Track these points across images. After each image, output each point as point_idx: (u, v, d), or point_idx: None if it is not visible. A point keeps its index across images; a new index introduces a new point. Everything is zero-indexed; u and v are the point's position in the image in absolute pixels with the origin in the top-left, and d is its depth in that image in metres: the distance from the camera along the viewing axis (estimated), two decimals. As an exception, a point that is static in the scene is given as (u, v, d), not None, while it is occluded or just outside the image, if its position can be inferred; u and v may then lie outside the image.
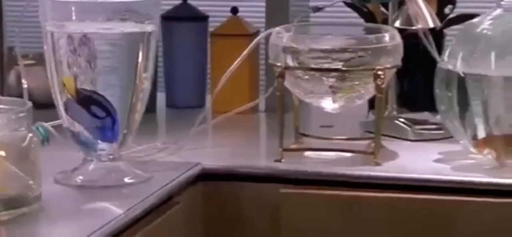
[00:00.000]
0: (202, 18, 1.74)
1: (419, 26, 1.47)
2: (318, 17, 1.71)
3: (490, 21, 1.33)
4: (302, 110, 1.51)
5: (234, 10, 1.70)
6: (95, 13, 1.21)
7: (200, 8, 1.77)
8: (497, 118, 1.29)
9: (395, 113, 1.55)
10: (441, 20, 1.55)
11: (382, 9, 1.61)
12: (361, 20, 1.63)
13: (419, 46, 1.51)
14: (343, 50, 1.34)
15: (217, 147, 1.51)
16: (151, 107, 1.67)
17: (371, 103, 1.52)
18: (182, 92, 1.73)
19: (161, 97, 1.75)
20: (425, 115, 1.54)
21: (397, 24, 1.49)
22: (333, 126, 1.56)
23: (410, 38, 1.51)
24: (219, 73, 1.49)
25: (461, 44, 1.34)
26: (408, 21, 1.49)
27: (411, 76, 1.56)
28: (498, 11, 1.33)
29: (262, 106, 1.69)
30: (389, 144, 1.47)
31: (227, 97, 1.55)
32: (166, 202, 1.22)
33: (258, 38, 1.42)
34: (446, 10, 1.63)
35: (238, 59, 1.40)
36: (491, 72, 1.28)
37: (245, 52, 1.39)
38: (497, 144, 1.30)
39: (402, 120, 1.53)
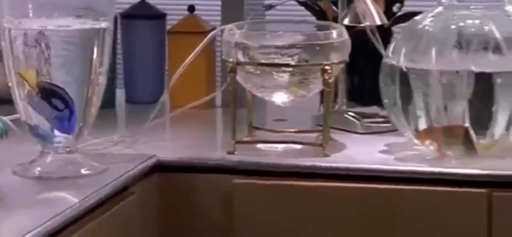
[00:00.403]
0: (160, 16, 1.78)
1: (367, 23, 1.52)
2: (272, 15, 1.76)
3: (431, 18, 1.38)
4: (258, 105, 1.56)
5: (191, 8, 1.74)
6: (51, 10, 1.25)
7: (158, 6, 1.81)
8: (437, 111, 1.34)
9: (344, 107, 1.59)
10: (389, 18, 1.60)
11: (334, 7, 1.67)
12: (314, 18, 1.69)
13: (367, 43, 1.56)
14: (292, 46, 1.39)
15: (173, 140, 1.55)
16: (110, 103, 1.72)
17: (322, 97, 1.57)
18: (141, 88, 1.77)
19: (120, 93, 1.79)
20: (373, 109, 1.59)
21: (346, 21, 1.54)
22: (287, 120, 1.60)
23: (359, 35, 1.56)
24: (176, 70, 1.52)
25: (404, 40, 1.39)
26: (356, 18, 1.54)
27: (360, 72, 1.61)
28: (439, 8, 1.39)
29: (218, 101, 1.73)
30: (339, 136, 1.51)
31: (185, 92, 1.60)
32: (121, 192, 1.26)
33: (210, 35, 1.46)
34: (394, 8, 1.68)
35: (191, 55, 1.44)
36: (431, 67, 1.33)
37: (198, 48, 1.43)
38: (437, 135, 1.35)
39: (351, 114, 1.58)
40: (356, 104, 1.61)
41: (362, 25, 1.53)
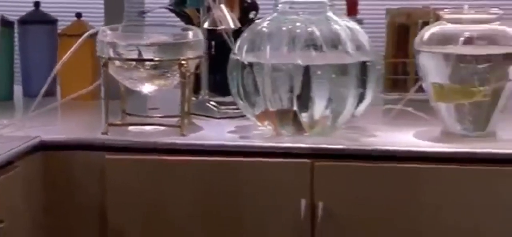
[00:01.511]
0: (52, 22, 1.99)
1: (222, 27, 1.76)
2: (150, 17, 1.98)
3: (268, 22, 1.63)
4: (134, 95, 1.78)
5: (78, 15, 1.96)
6: None
7: (51, 13, 2.02)
8: (271, 97, 1.58)
9: (207, 97, 1.83)
10: (243, 23, 1.84)
11: (198, 13, 1.90)
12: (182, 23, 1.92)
13: (226, 42, 1.80)
14: (154, 44, 1.62)
15: (58, 125, 1.77)
16: (9, 96, 1.94)
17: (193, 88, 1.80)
18: (36, 83, 1.95)
19: (18, 89, 1.99)
20: (231, 98, 1.83)
21: (206, 25, 1.78)
22: (159, 108, 1.82)
23: (220, 36, 1.80)
24: (65, 67, 1.74)
25: (247, 39, 1.63)
26: (214, 23, 1.78)
27: (220, 67, 1.83)
28: (274, 14, 1.64)
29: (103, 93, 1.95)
30: (200, 121, 1.74)
31: (75, 85, 1.82)
32: (5, 166, 1.46)
33: (84, 36, 1.69)
34: (251, 15, 1.93)
35: (68, 53, 1.68)
36: (265, 61, 1.58)
37: (75, 47, 1.66)
38: (272, 118, 1.59)
39: (212, 102, 1.81)
40: (217, 95, 1.85)
41: (219, 28, 1.77)
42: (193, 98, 1.80)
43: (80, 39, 1.66)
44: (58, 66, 1.67)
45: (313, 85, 1.56)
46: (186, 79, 1.62)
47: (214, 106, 1.79)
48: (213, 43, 1.86)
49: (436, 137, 1.59)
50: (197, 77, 1.80)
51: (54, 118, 1.79)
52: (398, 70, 1.95)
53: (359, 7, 1.94)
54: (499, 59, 1.53)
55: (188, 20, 1.88)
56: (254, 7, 1.91)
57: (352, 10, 1.92)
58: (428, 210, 1.52)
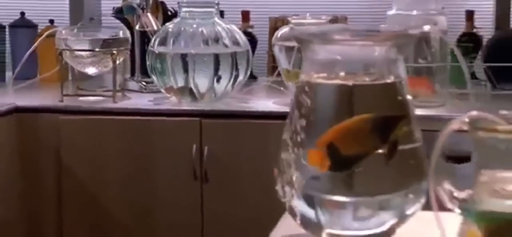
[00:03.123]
0: (34, 26, 2.44)
1: (148, 29, 2.23)
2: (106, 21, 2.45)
3: (173, 24, 2.09)
4: (89, 78, 2.24)
5: (51, 21, 2.42)
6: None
7: (33, 20, 2.48)
8: (173, 77, 2.05)
9: (140, 78, 2.28)
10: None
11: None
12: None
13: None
14: (95, 40, 2.09)
15: (30, 97, 2.18)
16: (2, 79, 2.40)
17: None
18: (21, 69, 2.41)
19: (9, 74, 2.45)
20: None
21: (137, 27, 2.25)
22: (107, 86, 2.29)
23: (148, 35, 2.26)
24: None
25: (159, 36, 2.09)
26: (142, 26, 2.24)
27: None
28: (178, 19, 2.10)
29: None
30: (133, 95, 2.19)
31: (47, 71, 2.29)
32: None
33: (45, 34, 2.16)
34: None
35: (33, 46, 2.16)
36: (169, 51, 2.04)
37: (38, 41, 2.13)
38: (175, 91, 2.06)
39: (143, 82, 2.27)
40: (146, 76, 2.31)
41: (146, 30, 2.23)
42: (130, 78, 2.28)
43: (42, 36, 2.14)
44: (26, 55, 2.14)
45: (201, 68, 2.03)
46: (116, 65, 2.09)
47: (142, 84, 2.26)
48: (146, 40, 2.33)
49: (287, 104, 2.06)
50: (133, 63, 2.28)
51: (29, 93, 2.24)
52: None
53: (252, 16, 2.41)
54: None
55: (127, 24, 2.34)
56: (176, 15, 2.38)
57: (245, 18, 2.39)
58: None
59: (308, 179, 1.00)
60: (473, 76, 2.13)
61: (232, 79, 2.04)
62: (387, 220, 0.98)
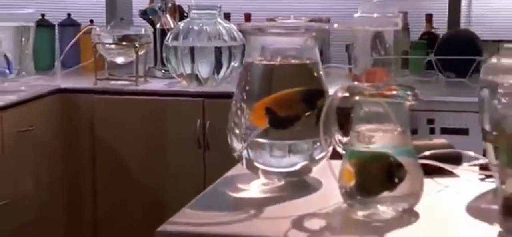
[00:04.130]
0: (78, 25, 2.79)
1: (167, 27, 2.56)
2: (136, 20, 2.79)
3: (183, 24, 2.41)
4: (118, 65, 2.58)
5: (91, 21, 2.76)
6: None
7: (78, 20, 2.84)
8: (183, 65, 2.38)
9: (160, 66, 2.62)
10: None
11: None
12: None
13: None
14: (121, 36, 2.43)
15: (72, 81, 2.53)
16: (51, 66, 2.75)
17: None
18: (66, 59, 2.76)
19: (58, 63, 2.82)
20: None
21: (158, 26, 2.58)
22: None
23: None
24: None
25: (173, 33, 2.42)
26: (162, 25, 2.58)
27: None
28: (188, 19, 2.42)
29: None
30: (153, 80, 2.53)
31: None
32: (38, 98, 2.29)
33: (83, 30, 2.50)
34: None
35: (72, 41, 2.50)
36: (180, 45, 2.37)
37: (77, 36, 2.48)
38: (186, 77, 2.39)
39: (162, 70, 2.60)
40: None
41: (165, 28, 2.56)
42: (153, 67, 2.61)
43: (80, 33, 2.49)
44: (68, 47, 2.50)
45: (205, 58, 2.35)
46: (139, 56, 2.43)
47: (162, 71, 2.59)
48: (165, 36, 2.66)
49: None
50: (156, 55, 2.62)
51: (71, 78, 2.58)
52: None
53: (253, 17, 2.72)
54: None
55: (151, 23, 2.67)
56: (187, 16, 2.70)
57: (247, 19, 2.70)
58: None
59: (245, 130, 1.31)
60: (429, 66, 2.41)
61: (229, 68, 2.36)
62: (298, 161, 1.29)
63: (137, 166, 2.38)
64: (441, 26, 2.51)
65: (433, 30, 2.48)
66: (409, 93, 1.17)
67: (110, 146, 2.38)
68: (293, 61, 1.32)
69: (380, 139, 1.17)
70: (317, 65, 1.33)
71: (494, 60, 1.27)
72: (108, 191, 2.42)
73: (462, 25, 2.55)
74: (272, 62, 1.30)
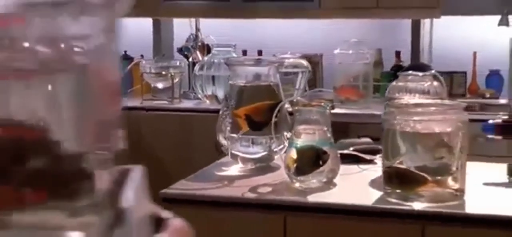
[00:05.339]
0: (132, 59, 3.32)
1: (197, 60, 3.04)
2: (176, 55, 3.28)
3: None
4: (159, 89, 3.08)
5: (141, 56, 3.27)
6: None
7: (132, 56, 3.36)
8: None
9: (192, 90, 3.10)
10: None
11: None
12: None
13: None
14: (158, 67, 2.92)
15: (124, 101, 3.08)
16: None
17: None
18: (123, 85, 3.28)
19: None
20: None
21: (190, 59, 3.06)
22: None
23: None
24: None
25: (205, 62, 2.90)
26: (193, 59, 3.06)
27: (198, 78, 3.13)
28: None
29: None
30: (188, 100, 3.02)
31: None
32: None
33: (132, 63, 3.01)
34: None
35: (123, 72, 3.00)
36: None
37: (128, 67, 2.98)
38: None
39: (193, 94, 3.08)
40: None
41: (195, 61, 3.05)
42: (188, 91, 3.09)
43: (131, 64, 3.00)
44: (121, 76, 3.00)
45: (222, 83, 2.82)
46: (174, 82, 2.91)
47: (193, 94, 3.07)
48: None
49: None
50: (190, 81, 3.10)
51: (124, 99, 3.08)
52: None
53: (264, 53, 3.17)
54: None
55: (186, 57, 3.16)
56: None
57: (259, 54, 3.16)
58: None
59: (228, 131, 1.77)
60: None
61: (241, 91, 2.82)
62: (259, 151, 1.74)
63: (167, 162, 2.86)
64: (407, 60, 2.93)
65: (400, 63, 2.90)
66: (329, 105, 1.61)
67: (152, 147, 2.87)
68: (261, 83, 1.78)
69: (311, 135, 1.60)
70: (278, 86, 1.78)
71: (394, 83, 1.71)
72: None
73: (425, 60, 2.96)
74: (247, 84, 1.77)
